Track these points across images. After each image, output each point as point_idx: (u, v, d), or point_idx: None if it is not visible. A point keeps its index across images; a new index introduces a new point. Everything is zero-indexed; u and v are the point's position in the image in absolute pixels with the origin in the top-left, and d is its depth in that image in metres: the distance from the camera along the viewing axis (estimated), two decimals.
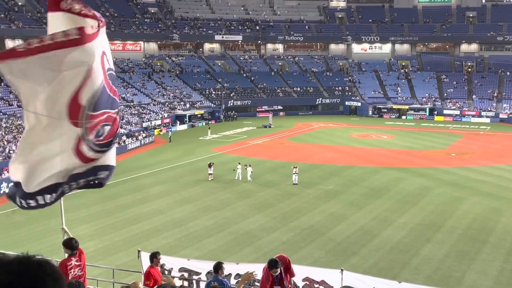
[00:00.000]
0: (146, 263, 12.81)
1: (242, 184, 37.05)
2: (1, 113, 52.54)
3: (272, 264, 10.42)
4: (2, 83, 60.15)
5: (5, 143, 44.21)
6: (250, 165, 38.84)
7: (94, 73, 6.88)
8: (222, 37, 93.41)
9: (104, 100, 7.21)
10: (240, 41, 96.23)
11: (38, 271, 1.89)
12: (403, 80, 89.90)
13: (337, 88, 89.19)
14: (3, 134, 46.38)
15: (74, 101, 6.94)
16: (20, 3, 79.35)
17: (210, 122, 73.79)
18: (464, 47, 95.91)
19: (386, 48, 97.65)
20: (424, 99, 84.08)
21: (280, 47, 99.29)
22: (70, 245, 10.44)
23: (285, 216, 29.25)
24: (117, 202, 31.54)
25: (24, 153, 7.53)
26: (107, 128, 7.46)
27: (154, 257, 11.78)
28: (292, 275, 10.75)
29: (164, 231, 26.79)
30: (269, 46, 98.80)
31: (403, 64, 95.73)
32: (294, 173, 37.20)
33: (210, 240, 25.48)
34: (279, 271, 10.35)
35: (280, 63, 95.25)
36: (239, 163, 39.47)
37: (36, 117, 7.20)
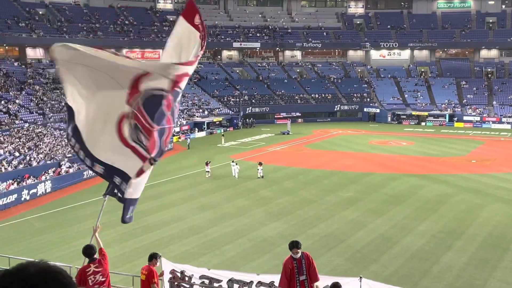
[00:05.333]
0: (166, 268, 12.96)
1: (260, 191, 37.02)
2: (22, 121, 53.11)
3: (293, 244, 10.62)
4: (23, 92, 60.82)
5: (26, 150, 44.65)
6: (236, 164, 41.21)
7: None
8: (240, 45, 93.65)
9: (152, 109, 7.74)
10: (258, 48, 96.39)
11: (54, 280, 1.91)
12: (422, 87, 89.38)
13: (355, 95, 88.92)
14: (24, 141, 46.86)
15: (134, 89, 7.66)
16: (40, 12, 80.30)
17: (228, 129, 73.95)
18: (484, 53, 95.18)
19: (405, 54, 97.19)
20: (443, 106, 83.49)
21: (298, 54, 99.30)
22: (86, 252, 10.78)
23: (304, 223, 29.14)
24: (136, 209, 31.64)
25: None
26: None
27: (154, 257, 12.09)
28: (316, 278, 10.74)
29: (182, 238, 26.82)
30: (287, 53, 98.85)
31: (422, 70, 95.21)
32: (258, 169, 40.93)
33: (229, 247, 25.45)
34: (300, 254, 10.51)
35: (298, 70, 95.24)
36: (233, 161, 42.50)
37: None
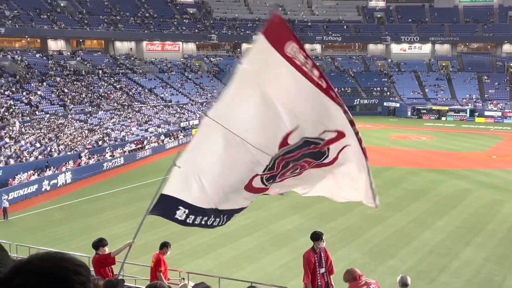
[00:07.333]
0: None
1: None
2: (43, 112, 53.62)
3: (319, 234, 10.73)
4: (45, 83, 61.38)
5: (47, 141, 45.10)
6: None
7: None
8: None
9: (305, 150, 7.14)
10: None
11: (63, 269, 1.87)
12: (443, 81, 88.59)
13: (375, 89, 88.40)
14: (45, 132, 47.32)
15: (284, 141, 6.96)
16: (62, 4, 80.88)
17: None
18: (507, 47, 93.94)
19: (426, 48, 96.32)
20: (464, 100, 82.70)
21: (318, 47, 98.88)
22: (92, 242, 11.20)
23: (321, 217, 29.08)
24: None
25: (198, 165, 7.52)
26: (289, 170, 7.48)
27: (164, 245, 12.19)
28: (333, 271, 10.89)
29: (200, 230, 26.83)
30: (307, 46, 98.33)
31: (443, 64, 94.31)
32: None
33: (246, 239, 25.51)
34: (324, 244, 10.65)
35: (317, 63, 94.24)
36: None
37: (224, 133, 7.11)
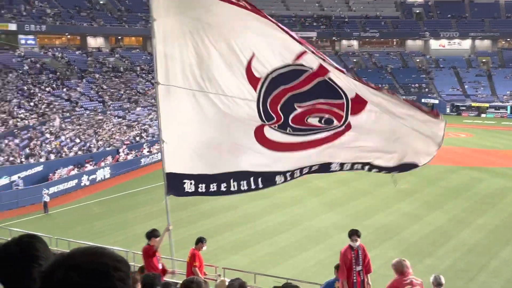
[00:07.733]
0: None
1: (314, 181, 36.80)
2: (82, 108, 54.47)
3: (354, 230, 10.70)
4: (84, 80, 62.36)
5: (87, 137, 45.83)
6: None
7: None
8: (297, 34, 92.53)
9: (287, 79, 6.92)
10: (314, 38, 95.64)
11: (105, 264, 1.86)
12: (483, 77, 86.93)
13: (413, 85, 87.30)
14: (84, 128, 48.09)
15: (250, 75, 6.75)
16: (101, 2, 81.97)
17: None
18: None
19: (466, 44, 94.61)
20: (505, 97, 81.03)
21: (355, 43, 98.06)
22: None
23: (358, 215, 28.91)
24: (191, 197, 32.04)
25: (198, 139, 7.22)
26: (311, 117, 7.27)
27: (200, 241, 12.18)
28: (370, 270, 10.82)
29: (236, 226, 27.05)
30: (344, 42, 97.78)
31: (484, 60, 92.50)
32: None
33: (282, 236, 25.52)
34: (358, 243, 10.58)
35: (355, 60, 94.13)
36: None
37: (190, 95, 6.85)
